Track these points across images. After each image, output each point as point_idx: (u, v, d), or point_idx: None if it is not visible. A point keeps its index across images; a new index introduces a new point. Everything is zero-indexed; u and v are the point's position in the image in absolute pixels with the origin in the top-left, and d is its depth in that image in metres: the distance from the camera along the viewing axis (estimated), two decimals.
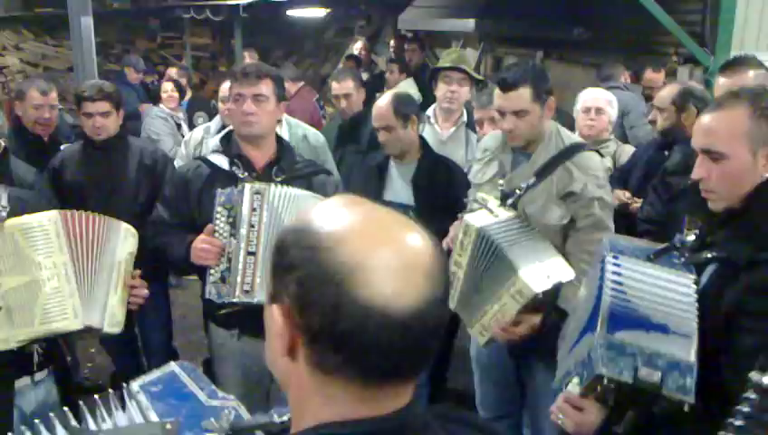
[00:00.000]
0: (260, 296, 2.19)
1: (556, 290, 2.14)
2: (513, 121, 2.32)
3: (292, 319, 0.75)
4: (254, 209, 2.22)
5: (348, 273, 0.72)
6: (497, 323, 2.18)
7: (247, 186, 2.24)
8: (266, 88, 2.36)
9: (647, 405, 1.45)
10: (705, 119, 1.62)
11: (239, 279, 2.21)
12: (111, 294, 2.13)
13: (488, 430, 0.86)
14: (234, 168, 2.38)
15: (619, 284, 1.56)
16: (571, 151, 2.34)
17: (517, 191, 2.35)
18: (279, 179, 2.36)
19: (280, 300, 0.76)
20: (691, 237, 1.70)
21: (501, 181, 2.43)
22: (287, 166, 2.43)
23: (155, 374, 1.44)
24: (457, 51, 3.80)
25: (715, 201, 1.62)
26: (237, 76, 2.39)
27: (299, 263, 0.74)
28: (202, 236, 2.25)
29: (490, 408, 2.72)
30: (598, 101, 3.54)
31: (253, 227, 2.22)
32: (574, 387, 1.57)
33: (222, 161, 2.41)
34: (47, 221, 2.01)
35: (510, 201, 2.36)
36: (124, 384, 1.41)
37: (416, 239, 0.77)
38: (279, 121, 2.53)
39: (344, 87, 3.91)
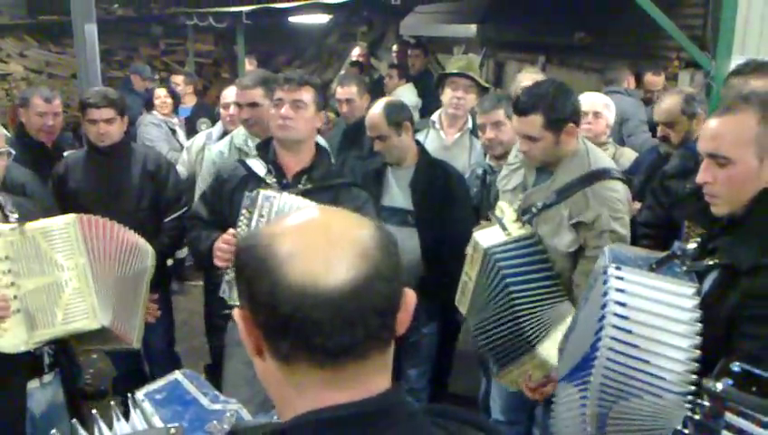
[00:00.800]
0: None
1: None
2: (526, 144, 2.32)
3: (248, 319, 0.80)
4: (261, 215, 2.25)
5: (280, 261, 0.76)
6: (526, 385, 2.23)
7: (261, 192, 2.28)
8: (307, 95, 2.39)
9: None
10: (713, 123, 1.60)
11: None
12: (140, 310, 2.34)
13: (480, 425, 0.87)
14: (266, 173, 2.42)
15: (622, 305, 1.55)
16: (593, 177, 2.27)
17: (533, 209, 2.33)
18: (305, 188, 2.38)
19: (240, 304, 0.82)
20: (692, 245, 1.68)
21: (521, 196, 2.43)
22: (318, 175, 2.44)
23: (159, 383, 1.47)
24: (467, 58, 3.81)
25: (718, 206, 1.61)
26: (280, 82, 2.44)
27: (245, 263, 0.80)
28: (224, 236, 2.30)
29: (503, 413, 2.73)
30: (595, 105, 3.55)
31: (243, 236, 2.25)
32: None
33: (256, 165, 2.46)
34: (66, 224, 2.06)
35: (525, 217, 2.35)
36: (129, 394, 1.44)
37: (351, 224, 0.81)
38: (319, 131, 2.57)
39: (347, 92, 3.93)
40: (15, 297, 1.98)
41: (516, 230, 2.32)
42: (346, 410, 0.77)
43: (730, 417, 1.21)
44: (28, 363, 2.08)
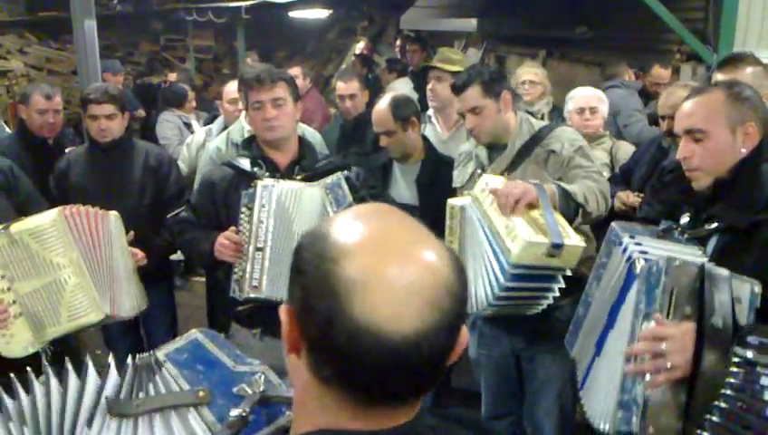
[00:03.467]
0: (268, 292, 2.21)
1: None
2: (472, 119, 2.45)
3: (295, 322, 0.76)
4: (263, 205, 2.25)
5: (347, 288, 0.70)
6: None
7: (259, 183, 2.28)
8: (283, 91, 2.38)
9: None
10: (686, 104, 1.78)
11: (248, 275, 2.23)
12: (133, 275, 2.31)
13: (485, 431, 0.86)
14: (255, 168, 2.40)
15: (646, 252, 1.64)
16: (543, 131, 2.46)
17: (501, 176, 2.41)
18: (299, 177, 2.38)
19: (290, 300, 0.77)
20: (685, 219, 1.80)
21: (479, 171, 2.49)
22: (308, 164, 2.46)
23: (178, 343, 1.42)
24: (442, 49, 3.79)
25: (698, 179, 1.75)
26: (252, 84, 2.39)
27: (305, 268, 0.74)
28: (226, 233, 2.30)
29: (491, 406, 2.73)
30: (590, 101, 3.56)
31: (261, 222, 2.26)
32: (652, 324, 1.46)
33: (246, 164, 2.44)
34: (52, 221, 2.03)
35: None
36: (150, 352, 1.40)
37: (427, 262, 0.73)
38: (297, 122, 2.56)
39: (350, 87, 3.92)
40: (15, 302, 1.96)
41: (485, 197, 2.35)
42: None
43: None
44: (25, 361, 2.06)
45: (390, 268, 0.71)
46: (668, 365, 1.36)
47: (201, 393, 1.25)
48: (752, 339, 1.33)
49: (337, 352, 0.71)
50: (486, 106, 2.43)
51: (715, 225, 1.69)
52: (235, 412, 1.19)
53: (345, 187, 2.33)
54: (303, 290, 0.74)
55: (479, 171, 2.50)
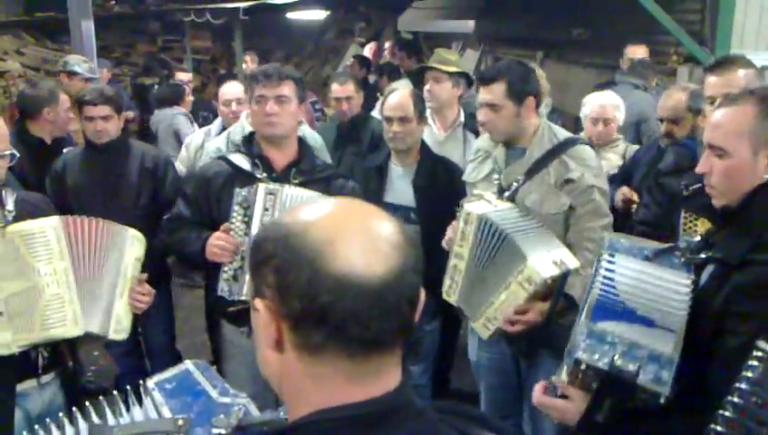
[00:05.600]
0: None
1: (563, 277, 2.14)
2: (487, 114, 2.41)
3: (274, 308, 0.79)
4: (266, 209, 2.24)
5: (318, 250, 0.76)
6: (503, 313, 2.17)
7: (261, 186, 2.27)
8: (288, 89, 2.38)
9: (625, 395, 1.45)
10: (717, 113, 1.62)
11: (247, 277, 2.23)
12: (117, 300, 2.13)
13: (488, 424, 0.87)
14: (254, 168, 2.40)
15: (610, 279, 1.59)
16: (565, 146, 2.41)
17: (514, 184, 2.39)
18: (296, 181, 2.38)
19: (261, 294, 0.81)
20: (697, 238, 1.69)
21: (496, 177, 2.47)
22: (306, 168, 2.45)
23: (170, 372, 1.47)
24: (438, 50, 3.80)
25: (716, 197, 1.63)
26: (259, 78, 2.40)
27: (273, 253, 0.79)
28: (217, 234, 2.29)
29: (491, 408, 2.72)
30: (605, 112, 3.54)
31: (264, 226, 2.25)
32: (561, 375, 1.58)
33: (243, 161, 2.44)
34: (48, 227, 2.02)
35: (507, 194, 2.40)
36: (141, 382, 1.44)
37: (379, 216, 0.83)
38: (300, 123, 2.56)
39: (346, 90, 3.92)
40: None
41: (501, 204, 2.36)
42: (358, 410, 0.78)
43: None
44: (17, 364, 2.05)
45: (353, 224, 0.80)
46: None
47: (180, 422, 1.29)
48: None
49: (325, 311, 0.75)
50: (505, 106, 2.37)
51: (710, 253, 1.59)
52: (215, 431, 1.23)
53: None
54: (276, 272, 0.78)
55: (495, 176, 2.48)
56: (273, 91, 2.35)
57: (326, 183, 2.45)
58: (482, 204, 2.33)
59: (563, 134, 2.49)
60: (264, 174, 2.39)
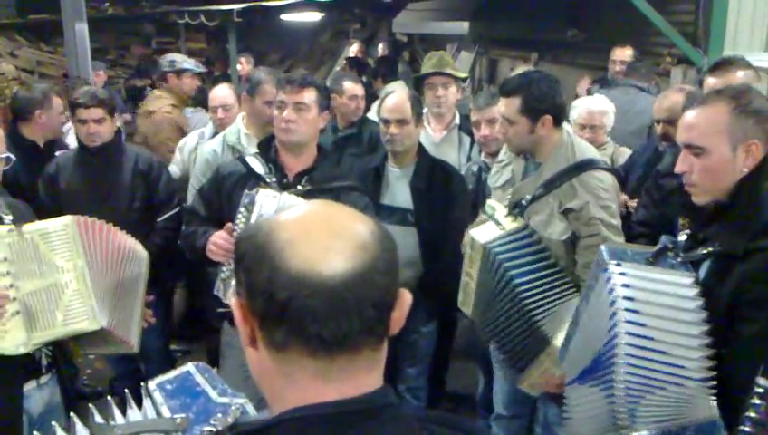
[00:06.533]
0: None
1: None
2: (502, 126, 2.43)
3: (245, 307, 0.81)
4: (261, 215, 2.23)
5: (280, 249, 0.77)
6: (548, 383, 2.24)
7: (261, 190, 2.27)
8: (309, 97, 2.37)
9: None
10: (689, 115, 1.67)
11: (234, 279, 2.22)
12: (138, 314, 2.31)
13: (471, 433, 0.87)
14: (266, 172, 2.40)
15: (630, 299, 1.56)
16: (579, 168, 2.33)
17: (523, 202, 2.37)
18: (304, 189, 2.36)
19: (238, 292, 0.83)
20: (682, 237, 1.73)
21: (510, 190, 2.47)
22: (319, 177, 2.42)
23: (172, 374, 1.50)
24: (438, 55, 3.81)
25: (697, 195, 1.67)
26: (283, 84, 2.40)
27: (245, 253, 0.81)
28: (219, 233, 2.29)
29: (504, 407, 2.74)
30: (593, 119, 3.48)
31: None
32: None
33: (257, 164, 2.44)
34: (65, 226, 2.05)
35: (516, 211, 2.39)
36: (142, 383, 1.46)
37: (350, 218, 0.82)
38: (323, 131, 2.55)
39: (356, 88, 3.95)
40: (15, 299, 1.97)
41: (510, 223, 2.35)
42: (331, 409, 0.77)
43: None
44: (25, 364, 2.07)
45: (318, 225, 0.80)
46: None
47: (179, 421, 1.32)
48: None
49: (282, 308, 0.76)
50: (519, 122, 2.34)
51: (710, 248, 1.61)
52: (207, 428, 1.25)
53: None
54: (245, 271, 0.80)
55: (510, 190, 2.47)
56: (292, 98, 2.35)
57: (335, 195, 2.38)
58: (488, 227, 2.32)
59: (584, 154, 2.39)
60: (275, 179, 2.38)
